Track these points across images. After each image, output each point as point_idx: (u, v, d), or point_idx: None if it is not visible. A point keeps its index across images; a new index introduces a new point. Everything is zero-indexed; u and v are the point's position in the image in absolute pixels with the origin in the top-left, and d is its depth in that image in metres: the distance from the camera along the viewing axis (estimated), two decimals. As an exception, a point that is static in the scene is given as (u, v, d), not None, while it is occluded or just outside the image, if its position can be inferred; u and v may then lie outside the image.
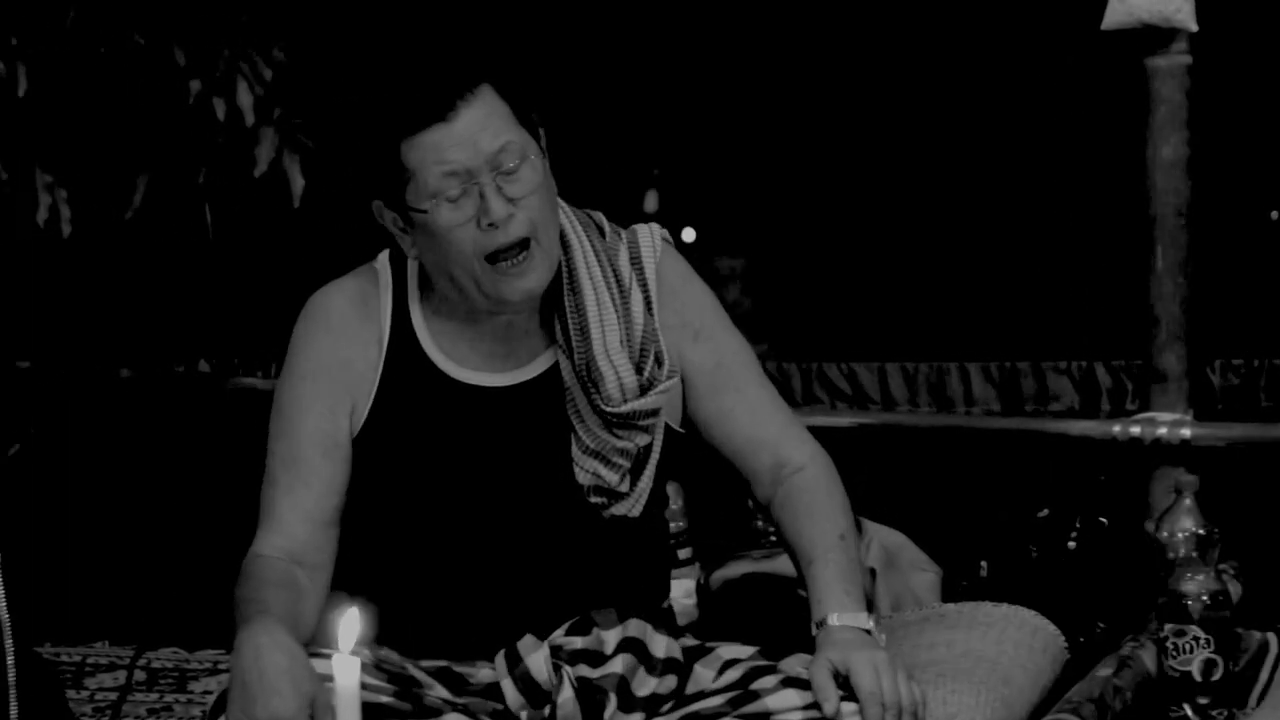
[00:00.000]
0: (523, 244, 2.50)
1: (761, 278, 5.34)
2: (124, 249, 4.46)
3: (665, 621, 2.68)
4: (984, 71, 4.75)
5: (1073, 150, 4.57)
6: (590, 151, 5.18)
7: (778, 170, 5.21)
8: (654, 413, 2.63)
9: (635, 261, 2.68)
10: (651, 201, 5.65)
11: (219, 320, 4.73)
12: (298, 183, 4.02)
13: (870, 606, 3.31)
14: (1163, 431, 3.65)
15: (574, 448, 2.60)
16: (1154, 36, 3.64)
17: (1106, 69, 3.90)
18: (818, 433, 3.87)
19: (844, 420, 4.02)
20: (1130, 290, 3.75)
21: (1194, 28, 3.62)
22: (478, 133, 2.47)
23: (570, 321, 2.61)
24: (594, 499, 2.60)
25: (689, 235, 5.46)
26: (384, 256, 2.70)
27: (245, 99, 3.95)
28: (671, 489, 3.70)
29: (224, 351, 4.66)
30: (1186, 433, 3.64)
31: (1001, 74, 4.70)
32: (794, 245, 5.23)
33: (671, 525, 3.66)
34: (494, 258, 2.49)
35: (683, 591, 3.51)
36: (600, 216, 2.73)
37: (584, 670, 2.51)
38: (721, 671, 2.55)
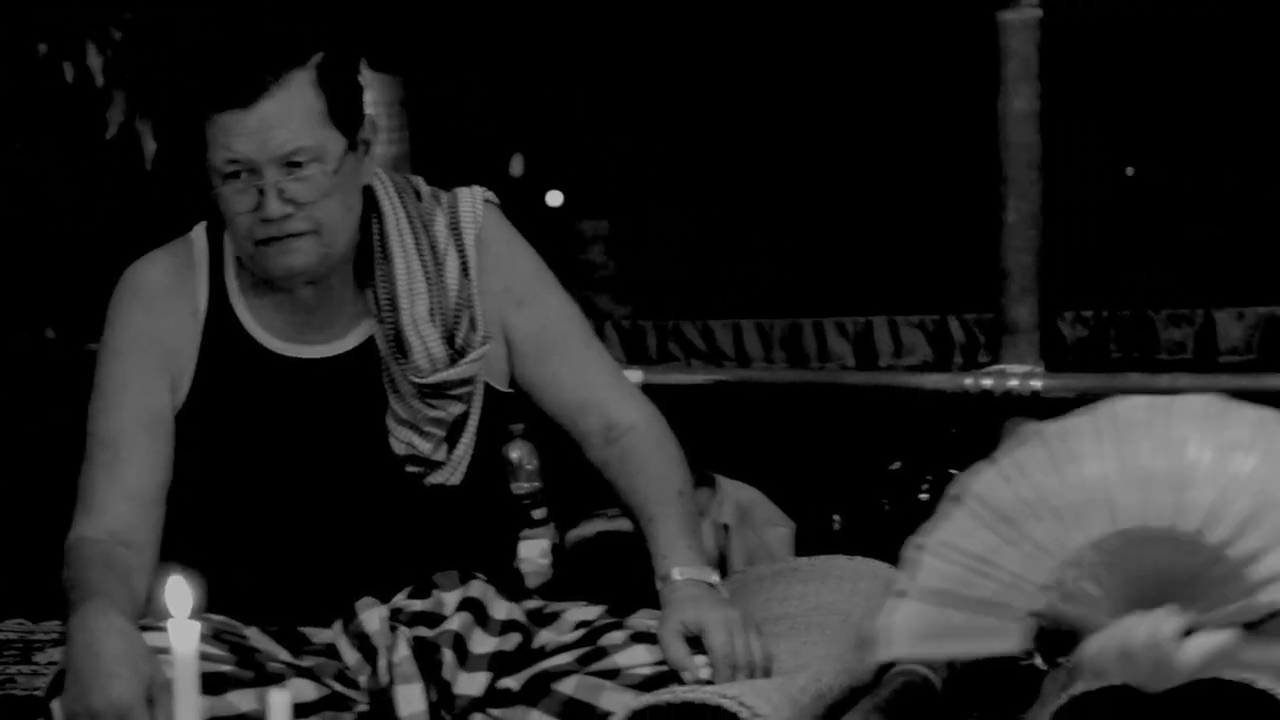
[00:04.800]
0: (298, 234, 2.47)
1: (625, 239, 5.32)
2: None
3: (511, 584, 2.68)
4: (836, 28, 4.75)
5: (925, 105, 4.59)
6: (457, 116, 5.14)
7: (640, 133, 5.19)
8: (466, 382, 2.60)
9: (454, 227, 2.65)
10: (517, 165, 5.62)
11: (68, 286, 4.64)
12: (149, 146, 3.97)
13: (723, 562, 3.33)
14: (1014, 383, 3.67)
15: (388, 418, 2.58)
16: (1004, -10, 3.66)
17: (957, 23, 3.91)
18: (673, 390, 3.90)
19: (699, 377, 4.02)
20: (982, 243, 3.77)
21: (1044, -19, 3.64)
22: (271, 129, 2.43)
23: (380, 291, 2.59)
24: (410, 468, 2.59)
25: (556, 199, 5.43)
26: (200, 228, 2.66)
27: (94, 60, 3.89)
28: (525, 450, 3.68)
29: (72, 318, 4.57)
30: (1037, 384, 3.66)
31: (853, 31, 4.71)
32: (655, 207, 5.21)
33: (526, 486, 3.65)
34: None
35: (538, 551, 3.49)
36: (419, 181, 2.70)
37: (422, 631, 2.49)
38: (572, 633, 2.55)
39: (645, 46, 5.11)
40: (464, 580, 2.57)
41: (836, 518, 3.71)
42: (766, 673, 2.43)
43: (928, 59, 4.50)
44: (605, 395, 2.69)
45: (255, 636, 2.49)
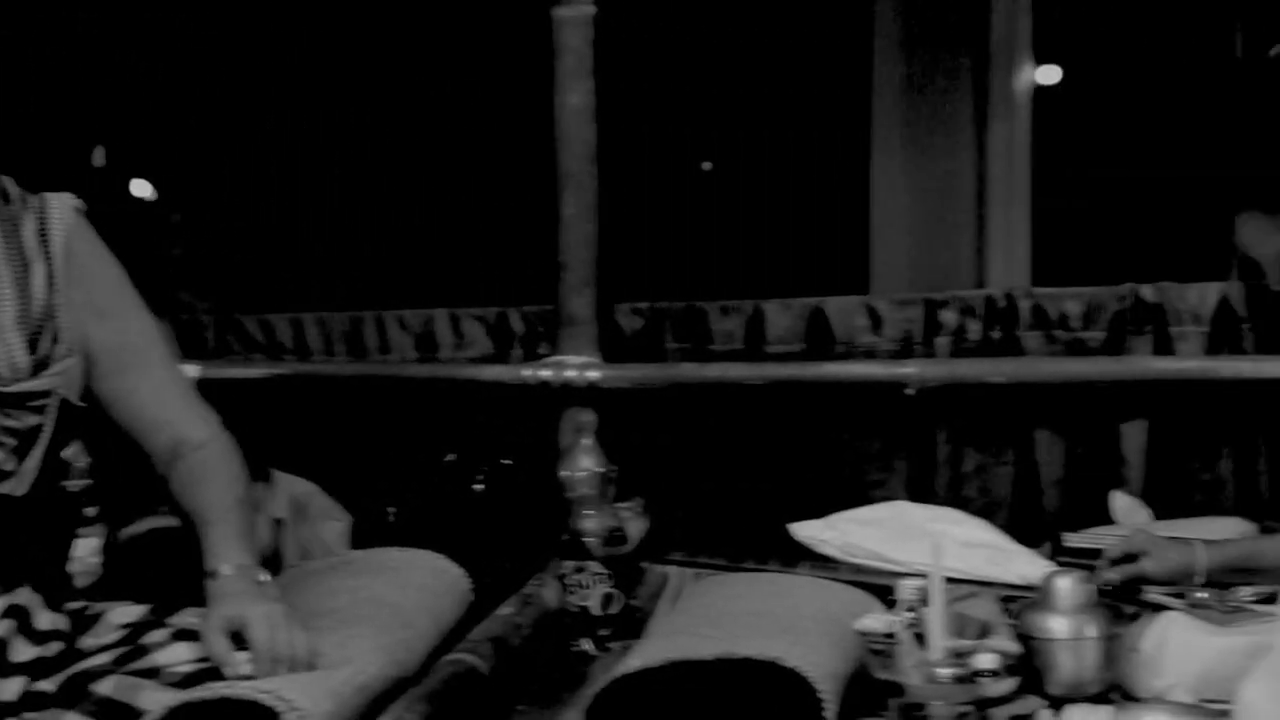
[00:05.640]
0: None
1: (201, 232, 5.25)
2: None
3: (60, 586, 2.62)
4: (402, 27, 4.76)
5: (482, 100, 4.63)
6: (38, 107, 4.99)
7: (212, 126, 5.12)
8: (45, 394, 2.54)
9: (42, 234, 2.57)
10: (99, 156, 5.48)
11: None
12: None
13: (277, 557, 3.31)
14: (571, 374, 3.72)
15: None
16: (560, -13, 3.71)
17: (512, 19, 3.95)
18: (231, 385, 3.85)
19: (257, 371, 3.98)
20: (541, 237, 3.81)
21: (598, -21, 3.69)
22: None
23: None
24: None
25: (144, 189, 5.33)
26: None
27: None
28: (76, 448, 3.59)
29: None
30: (594, 375, 3.72)
31: (414, 29, 4.73)
32: (223, 200, 5.16)
33: (77, 484, 3.56)
34: None
35: (88, 550, 3.41)
36: (8, 182, 2.60)
37: None
38: (114, 633, 2.51)
39: (222, 38, 5.04)
40: (10, 588, 2.50)
41: (391, 510, 3.71)
42: (310, 666, 2.43)
43: (484, 54, 4.53)
44: (178, 414, 2.68)
45: None
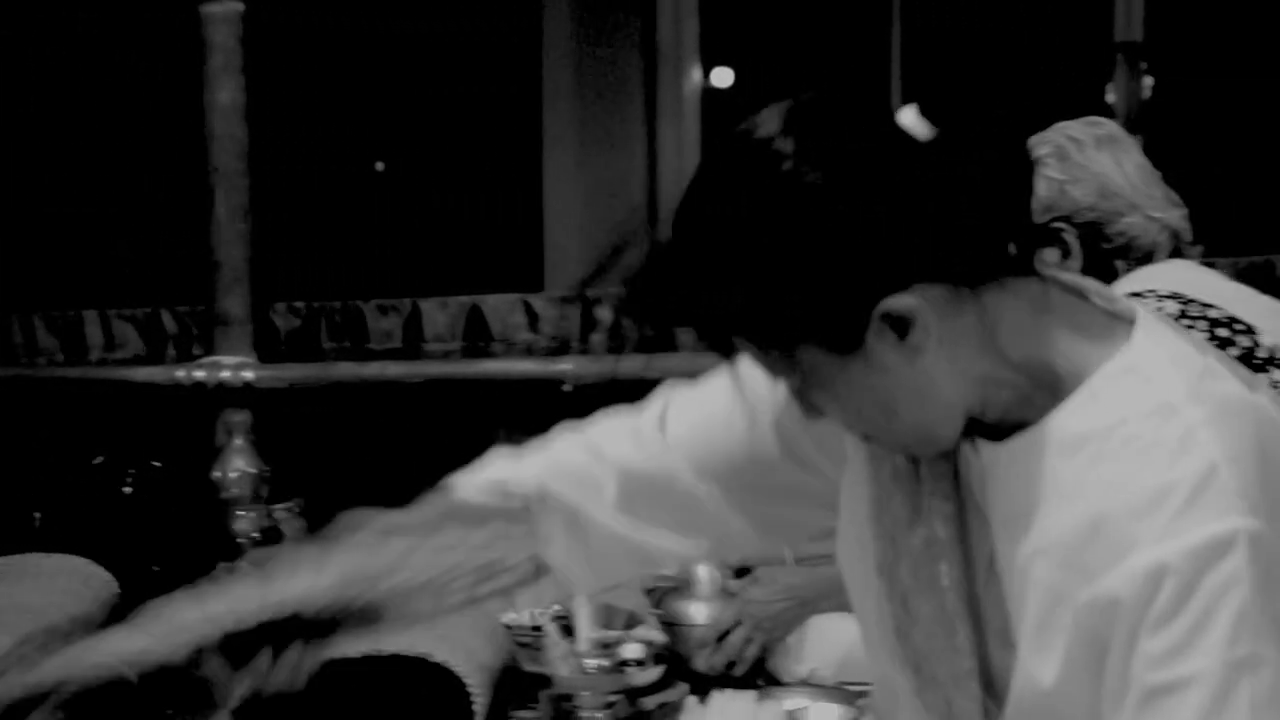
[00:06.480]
0: None
1: None
2: None
3: None
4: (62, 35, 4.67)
5: (131, 96, 4.55)
6: None
7: None
8: None
9: None
10: None
11: None
12: None
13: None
14: (226, 375, 3.68)
15: None
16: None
17: (160, 15, 3.89)
18: None
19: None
20: (193, 235, 3.76)
21: (245, -23, 3.66)
22: None
23: None
24: None
25: None
26: None
27: None
28: None
29: None
30: (249, 375, 3.68)
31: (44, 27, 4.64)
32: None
33: None
34: None
35: None
36: None
37: None
38: None
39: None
40: None
41: (37, 515, 3.62)
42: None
43: (133, 50, 4.46)
44: None
45: None
